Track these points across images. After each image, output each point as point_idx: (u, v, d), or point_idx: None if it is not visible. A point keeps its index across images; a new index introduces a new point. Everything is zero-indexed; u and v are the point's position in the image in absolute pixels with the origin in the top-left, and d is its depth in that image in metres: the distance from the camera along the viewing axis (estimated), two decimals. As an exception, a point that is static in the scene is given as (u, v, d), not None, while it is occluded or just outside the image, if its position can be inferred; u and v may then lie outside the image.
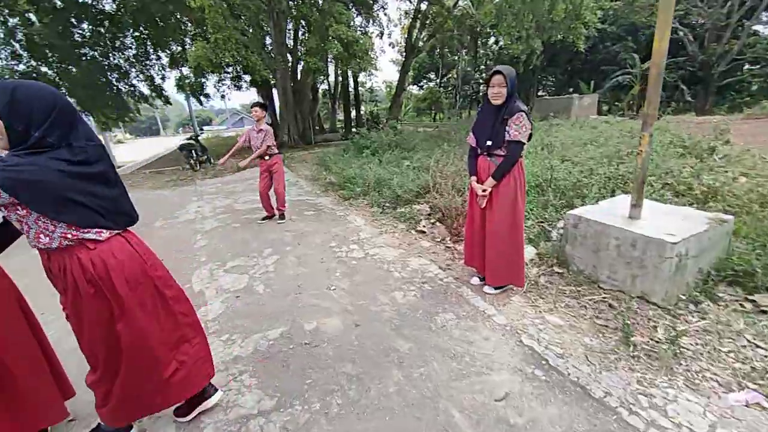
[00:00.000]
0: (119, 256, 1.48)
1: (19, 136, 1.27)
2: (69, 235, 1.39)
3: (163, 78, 14.23)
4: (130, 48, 13.31)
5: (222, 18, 9.13)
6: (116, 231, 1.52)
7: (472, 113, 26.18)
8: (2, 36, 10.01)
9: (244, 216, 5.41)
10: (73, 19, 11.45)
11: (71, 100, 10.72)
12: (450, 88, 31.99)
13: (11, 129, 1.26)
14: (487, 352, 2.22)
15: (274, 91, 16.22)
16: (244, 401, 1.96)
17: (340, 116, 23.55)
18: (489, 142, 2.56)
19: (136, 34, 12.92)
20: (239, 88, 19.93)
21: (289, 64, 13.93)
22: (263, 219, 5.08)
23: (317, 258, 3.74)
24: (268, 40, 13.66)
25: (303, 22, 13.79)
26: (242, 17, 11.52)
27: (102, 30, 12.06)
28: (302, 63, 13.59)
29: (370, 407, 1.88)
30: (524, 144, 2.48)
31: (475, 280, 3.04)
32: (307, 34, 13.60)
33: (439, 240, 4.02)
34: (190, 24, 13.04)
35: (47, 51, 10.47)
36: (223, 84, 18.93)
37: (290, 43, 14.49)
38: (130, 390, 1.58)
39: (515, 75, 2.46)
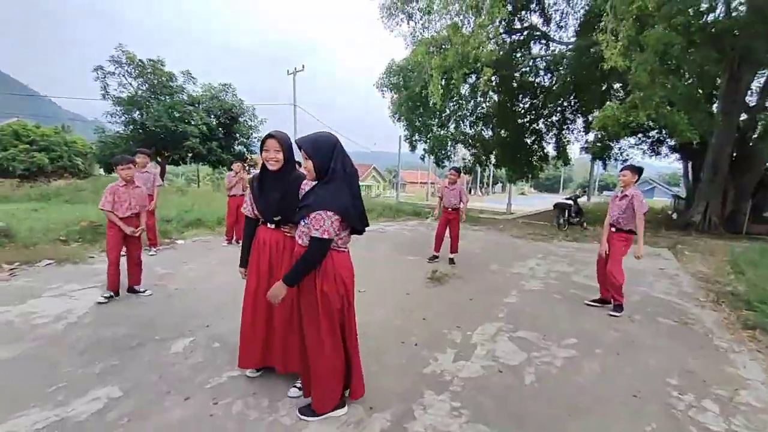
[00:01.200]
0: (349, 264, 1.88)
1: (322, 170, 1.74)
2: (339, 242, 1.78)
3: (569, 142, 14.92)
4: (553, 116, 14.97)
5: (649, 75, 8.13)
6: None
7: None
8: (470, 111, 14.47)
9: (574, 290, 4.58)
10: (519, 95, 14.46)
11: (491, 156, 13.61)
12: None
13: (315, 165, 1.73)
14: None
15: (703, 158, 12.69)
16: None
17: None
18: None
19: (561, 102, 14.31)
20: (657, 154, 17.31)
21: (739, 123, 10.33)
22: (592, 301, 4.07)
23: (630, 388, 2.47)
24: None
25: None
26: (682, 71, 9.75)
27: (536, 101, 14.38)
28: (762, 123, 9.73)
29: None
30: None
31: None
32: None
33: None
34: (620, 89, 12.69)
35: (493, 119, 13.89)
36: (638, 148, 17.15)
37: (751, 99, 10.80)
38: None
39: None
